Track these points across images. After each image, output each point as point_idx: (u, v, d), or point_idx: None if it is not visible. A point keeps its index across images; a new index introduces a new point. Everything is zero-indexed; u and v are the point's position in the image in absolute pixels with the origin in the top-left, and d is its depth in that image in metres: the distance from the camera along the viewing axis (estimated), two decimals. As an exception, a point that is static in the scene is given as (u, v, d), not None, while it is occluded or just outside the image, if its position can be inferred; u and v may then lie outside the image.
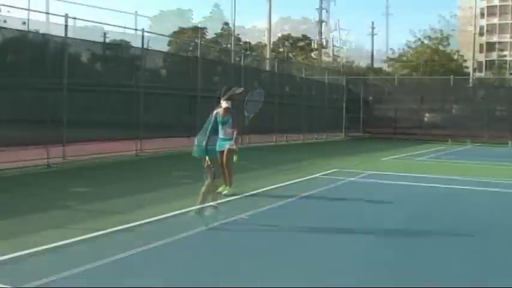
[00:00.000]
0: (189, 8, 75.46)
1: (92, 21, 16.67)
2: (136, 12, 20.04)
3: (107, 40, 20.06)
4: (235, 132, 9.80)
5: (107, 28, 20.09)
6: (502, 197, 11.25)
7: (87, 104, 17.22)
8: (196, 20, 72.50)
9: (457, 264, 6.04)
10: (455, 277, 5.58)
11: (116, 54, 20.00)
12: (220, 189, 10.03)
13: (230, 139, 9.82)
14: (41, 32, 16.20)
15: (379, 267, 5.85)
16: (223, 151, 9.87)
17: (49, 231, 6.88)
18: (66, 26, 14.94)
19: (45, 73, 15.00)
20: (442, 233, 7.45)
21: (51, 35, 15.71)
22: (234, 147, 9.79)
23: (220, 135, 9.82)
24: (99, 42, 18.85)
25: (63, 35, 15.03)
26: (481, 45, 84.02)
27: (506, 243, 7.11)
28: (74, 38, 15.96)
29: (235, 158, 9.76)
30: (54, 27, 15.28)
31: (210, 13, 74.18)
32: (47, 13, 14.75)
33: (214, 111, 9.61)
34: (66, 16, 14.92)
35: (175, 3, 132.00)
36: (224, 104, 9.56)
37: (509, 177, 14.35)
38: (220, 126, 9.73)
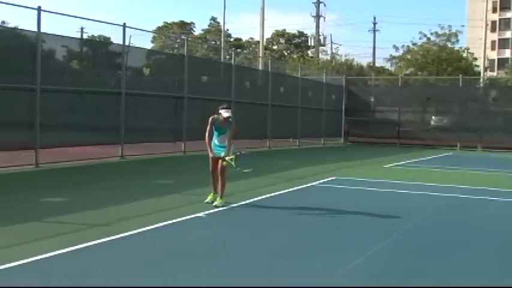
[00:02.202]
0: (191, 21, 76.66)
1: (68, 15, 16.57)
2: (124, 24, 20.02)
3: (85, 36, 20.08)
4: (226, 142, 9.94)
5: (85, 23, 20.06)
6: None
7: (63, 106, 17.18)
8: (196, 33, 73.26)
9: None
10: None
11: (94, 52, 19.97)
12: (209, 199, 10.04)
13: (226, 146, 9.97)
14: (10, 25, 16.16)
15: (380, 279, 5.85)
16: (218, 158, 9.98)
17: (19, 246, 6.82)
18: (39, 19, 14.88)
19: (16, 72, 14.94)
20: (449, 244, 7.47)
21: (22, 29, 15.65)
22: (229, 156, 9.94)
23: (216, 141, 10.05)
24: (76, 38, 18.79)
25: (35, 29, 15.00)
26: (493, 42, 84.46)
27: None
28: (49, 34, 15.89)
29: (230, 160, 9.86)
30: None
31: (208, 26, 74.84)
32: (17, 5, 14.67)
33: (211, 118, 10.00)
34: (39, 9, 14.86)
35: (178, 16, 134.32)
36: (225, 113, 9.84)
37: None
38: (216, 133, 10.04)
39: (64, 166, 15.59)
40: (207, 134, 10.01)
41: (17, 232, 7.55)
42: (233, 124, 9.99)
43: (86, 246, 6.76)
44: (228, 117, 9.86)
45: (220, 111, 9.92)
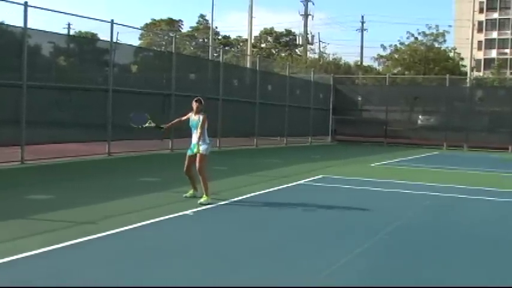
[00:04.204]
0: (179, 19, 76.63)
1: (55, 11, 16.42)
2: (112, 20, 19.84)
3: (72, 32, 19.92)
4: (199, 136, 9.98)
5: (72, 19, 19.89)
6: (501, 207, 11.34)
7: (49, 102, 17.02)
8: (184, 30, 73.14)
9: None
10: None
11: (82, 48, 19.81)
12: (188, 194, 10.21)
13: (202, 143, 10.01)
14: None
15: (367, 277, 5.82)
16: (194, 157, 10.05)
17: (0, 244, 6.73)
18: (25, 15, 14.72)
19: (1, 68, 14.79)
20: (436, 244, 7.46)
21: (8, 24, 15.49)
22: (206, 152, 10.05)
23: (193, 139, 10.13)
24: (63, 34, 18.62)
25: (22, 25, 14.83)
26: (479, 42, 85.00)
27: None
28: (35, 29, 15.72)
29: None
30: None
31: (197, 23, 74.67)
32: (3, 0, 14.51)
33: (184, 117, 10.35)
34: (26, 5, 14.69)
35: (167, 13, 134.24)
36: (195, 101, 10.16)
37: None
38: (192, 130, 10.13)
39: (50, 163, 15.45)
40: (177, 118, 10.63)
41: (-1, 230, 7.45)
42: (204, 117, 10.04)
43: (69, 245, 6.65)
44: (199, 101, 10.06)
45: (192, 104, 10.18)
